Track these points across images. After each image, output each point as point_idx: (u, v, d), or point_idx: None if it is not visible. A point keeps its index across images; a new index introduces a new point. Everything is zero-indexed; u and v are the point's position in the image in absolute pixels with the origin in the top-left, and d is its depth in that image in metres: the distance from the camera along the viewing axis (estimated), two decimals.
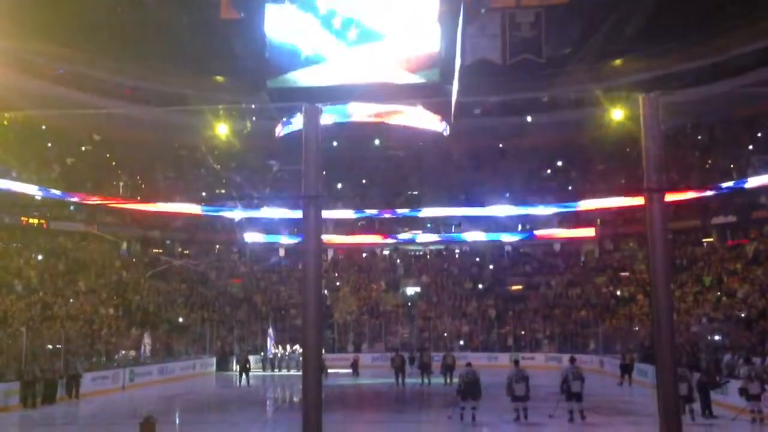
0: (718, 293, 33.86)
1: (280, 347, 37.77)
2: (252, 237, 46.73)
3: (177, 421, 20.95)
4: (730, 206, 38.83)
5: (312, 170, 6.45)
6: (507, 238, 47.09)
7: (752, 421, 17.47)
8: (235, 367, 33.90)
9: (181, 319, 39.89)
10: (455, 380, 22.92)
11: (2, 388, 21.90)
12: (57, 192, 36.00)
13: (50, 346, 27.00)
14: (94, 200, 37.63)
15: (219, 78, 42.56)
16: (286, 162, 47.35)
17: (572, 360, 19.68)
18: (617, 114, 34.07)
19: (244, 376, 30.49)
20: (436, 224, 48.01)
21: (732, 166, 39.89)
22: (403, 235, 47.66)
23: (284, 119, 33.27)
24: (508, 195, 45.22)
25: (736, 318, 29.97)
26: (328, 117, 28.20)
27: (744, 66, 37.71)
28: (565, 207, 42.86)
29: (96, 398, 24.98)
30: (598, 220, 44.67)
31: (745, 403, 17.82)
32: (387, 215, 45.89)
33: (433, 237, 48.02)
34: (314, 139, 6.54)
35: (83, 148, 45.02)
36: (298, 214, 6.76)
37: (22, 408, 21.93)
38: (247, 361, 31.55)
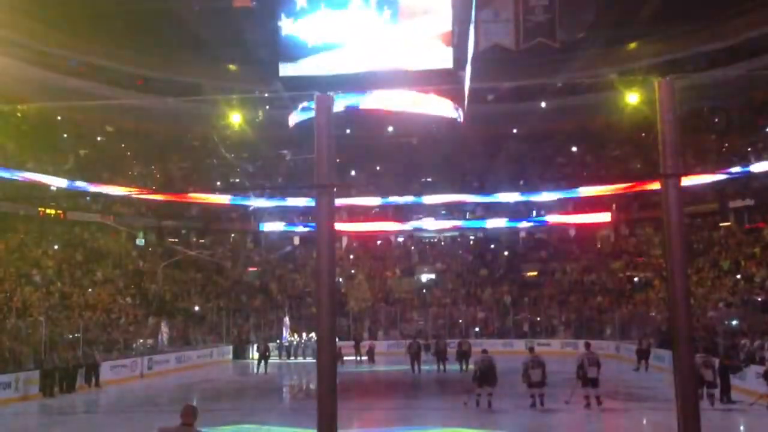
0: (736, 277, 33.60)
1: (296, 335, 37.98)
2: (269, 226, 46.94)
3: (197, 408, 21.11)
4: (747, 189, 38.42)
5: (324, 159, 6.42)
6: (523, 224, 46.87)
7: None
8: (255, 354, 34.16)
9: (197, 308, 40.17)
10: (470, 367, 22.96)
11: (22, 377, 22.19)
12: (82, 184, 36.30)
13: (70, 336, 27.28)
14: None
15: (232, 67, 42.60)
16: (299, 151, 47.40)
17: (587, 345, 19.60)
18: (632, 98, 33.78)
19: (262, 363, 30.79)
20: (451, 211, 47.88)
21: (749, 149, 39.44)
22: (427, 224, 47.43)
23: (299, 106, 33.30)
24: (522, 182, 45.04)
25: (754, 302, 29.73)
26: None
27: (761, 48, 37.22)
28: (579, 192, 42.66)
29: (115, 387, 25.26)
30: (614, 205, 44.38)
31: (766, 387, 17.65)
32: (404, 202, 45.90)
33: (449, 224, 47.79)
34: (326, 128, 6.50)
35: (98, 138, 45.24)
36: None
37: (42, 397, 22.21)
38: (267, 348, 31.88)
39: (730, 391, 18.54)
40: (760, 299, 29.68)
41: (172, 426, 6.74)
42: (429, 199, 45.90)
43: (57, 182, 36.78)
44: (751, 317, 27.66)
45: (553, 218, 45.93)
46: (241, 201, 44.90)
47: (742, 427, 16.61)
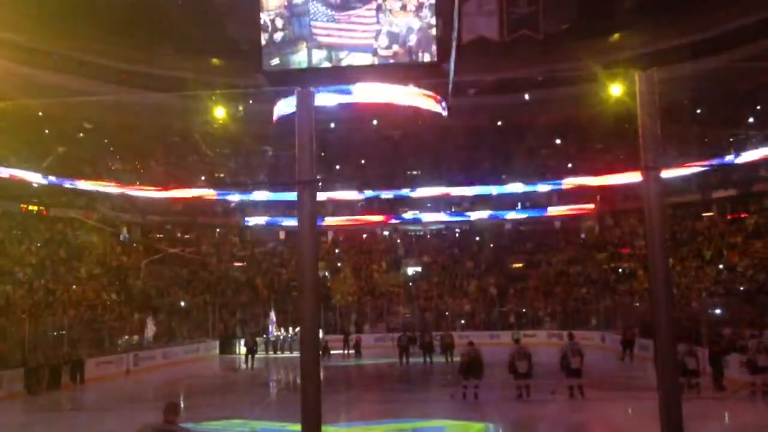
0: (719, 267, 33.92)
1: (282, 329, 37.95)
2: (253, 220, 46.75)
3: (181, 405, 21.07)
4: (730, 180, 38.76)
5: (306, 155, 6.41)
6: (509, 216, 46.91)
7: (751, 395, 17.51)
8: (242, 349, 34.12)
9: (183, 303, 40.00)
10: (456, 359, 23.05)
11: (7, 375, 22.03)
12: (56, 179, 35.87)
13: (54, 333, 27.09)
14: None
15: (215, 60, 42.24)
16: (283, 146, 47.15)
17: (571, 336, 19.78)
18: (615, 90, 33.88)
19: (250, 357, 30.76)
20: (437, 204, 47.85)
21: (731, 140, 39.77)
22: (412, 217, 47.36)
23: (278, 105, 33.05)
24: (504, 176, 45.05)
25: (737, 292, 30.04)
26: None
27: (743, 39, 37.43)
28: (562, 184, 42.74)
29: (100, 383, 25.12)
30: (598, 197, 44.56)
31: (749, 376, 17.80)
32: (389, 196, 45.71)
33: (437, 217, 47.74)
34: (308, 124, 6.49)
35: (80, 135, 44.80)
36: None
37: (27, 395, 22.06)
38: (255, 343, 31.87)
39: (722, 378, 18.67)
40: (742, 288, 30.01)
41: (155, 422, 6.72)
42: (414, 193, 45.84)
43: (38, 179, 36.38)
44: (733, 306, 27.95)
45: (537, 210, 46.04)
46: (222, 195, 44.61)
47: (726, 415, 16.77)
